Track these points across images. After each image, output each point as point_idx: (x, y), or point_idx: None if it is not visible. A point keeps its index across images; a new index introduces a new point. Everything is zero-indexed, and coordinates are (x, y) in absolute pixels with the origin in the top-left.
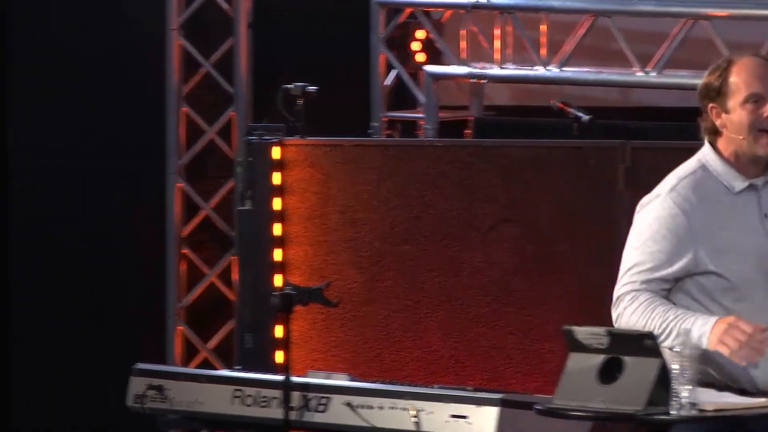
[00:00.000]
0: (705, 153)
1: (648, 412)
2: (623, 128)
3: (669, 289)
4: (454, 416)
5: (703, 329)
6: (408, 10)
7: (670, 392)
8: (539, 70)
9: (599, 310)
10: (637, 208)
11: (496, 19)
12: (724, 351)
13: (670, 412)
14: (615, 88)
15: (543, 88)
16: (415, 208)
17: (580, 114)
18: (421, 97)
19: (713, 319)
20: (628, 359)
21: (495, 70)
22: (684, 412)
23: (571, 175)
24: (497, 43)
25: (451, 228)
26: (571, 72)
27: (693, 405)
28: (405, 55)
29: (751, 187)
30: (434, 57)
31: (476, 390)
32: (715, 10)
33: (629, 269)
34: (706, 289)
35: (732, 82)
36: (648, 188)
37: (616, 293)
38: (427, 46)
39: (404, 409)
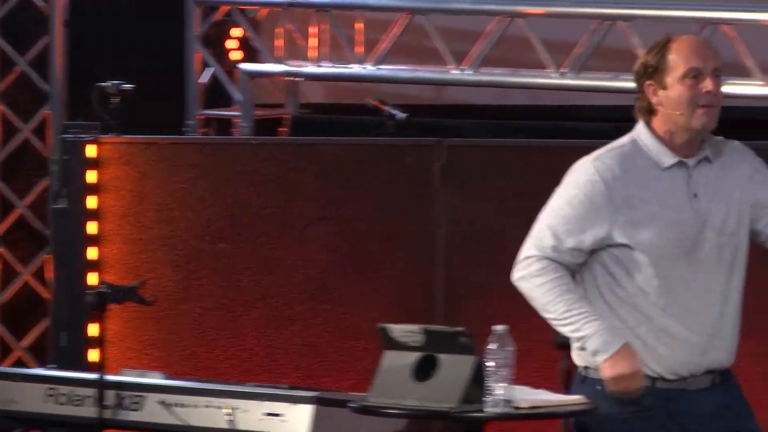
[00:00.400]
0: (638, 130)
1: (462, 409)
2: (439, 126)
3: (582, 263)
4: (268, 414)
5: (603, 348)
6: (224, 8)
7: (484, 389)
8: (355, 68)
9: (414, 307)
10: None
11: (312, 17)
12: (611, 385)
13: (485, 410)
14: (430, 87)
15: (359, 86)
16: (231, 206)
17: (395, 112)
18: (237, 95)
19: (615, 345)
20: (443, 357)
21: (311, 68)
22: (498, 410)
23: (386, 173)
24: (313, 41)
25: (267, 226)
26: (386, 70)
27: (507, 402)
28: (221, 53)
29: (681, 165)
30: (250, 55)
31: (291, 388)
32: (530, 7)
33: (542, 230)
34: (622, 262)
35: (670, 59)
36: (464, 186)
37: (524, 251)
38: (243, 44)
39: (218, 407)
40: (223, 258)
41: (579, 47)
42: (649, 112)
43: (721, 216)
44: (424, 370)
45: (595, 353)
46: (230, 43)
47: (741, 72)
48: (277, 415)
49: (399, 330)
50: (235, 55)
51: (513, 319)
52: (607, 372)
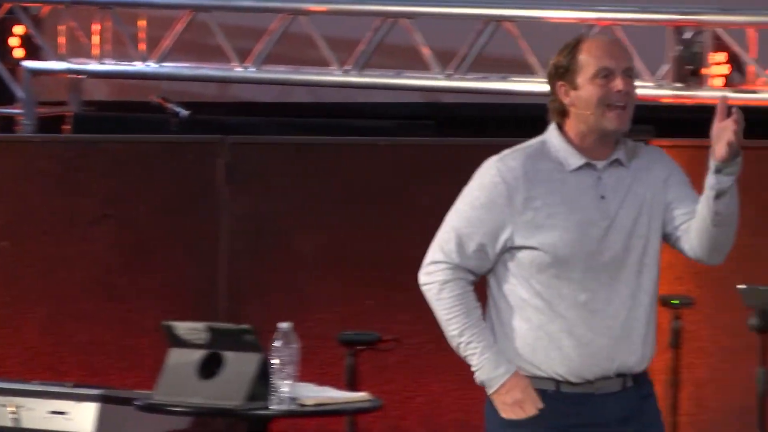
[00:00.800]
0: (549, 131)
1: (248, 407)
2: (222, 124)
3: (491, 267)
4: (53, 412)
5: (488, 383)
6: (6, 5)
7: (270, 387)
8: (138, 66)
9: (199, 305)
10: None
11: (95, 15)
12: (502, 413)
13: (270, 407)
14: (214, 84)
15: (143, 83)
16: (14, 204)
17: (179, 109)
18: (20, 93)
19: (500, 380)
20: (228, 354)
21: (94, 66)
22: (284, 407)
23: (170, 171)
24: (96, 39)
25: (51, 224)
26: (169, 67)
27: (293, 399)
28: (3, 51)
29: (589, 166)
30: (33, 52)
31: (76, 386)
32: (313, 5)
33: (447, 232)
34: (525, 264)
35: (581, 59)
36: (247, 184)
37: (430, 254)
38: (26, 41)
39: (3, 405)
40: (6, 256)
41: (362, 45)
42: (562, 113)
43: (630, 218)
44: (210, 367)
45: (482, 385)
46: (12, 41)
47: (524, 69)
48: (61, 413)
49: (184, 328)
50: (18, 53)
51: (297, 316)
52: (496, 403)
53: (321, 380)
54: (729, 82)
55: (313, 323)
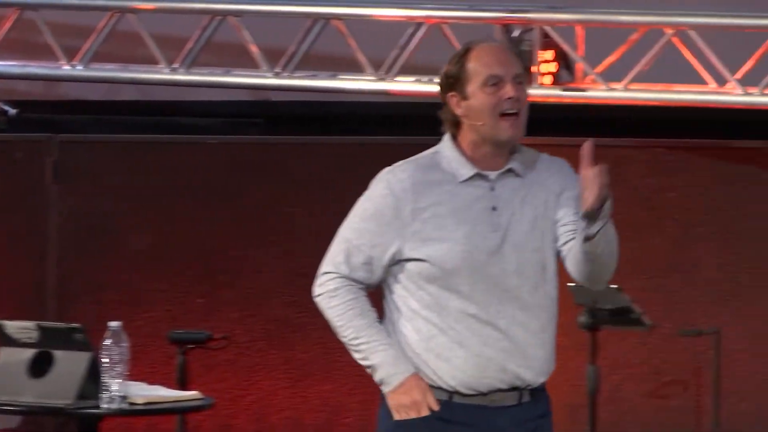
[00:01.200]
0: (442, 142)
1: (78, 405)
2: (50, 122)
3: (382, 279)
4: None
5: (386, 380)
6: None
7: (100, 386)
8: None
9: (28, 304)
10: None
11: None
12: (396, 414)
13: (101, 406)
14: (42, 82)
15: None
16: None
17: (6, 108)
18: None
19: (399, 377)
20: (58, 353)
21: None
22: (114, 406)
23: None
24: None
25: None
26: None
27: (123, 398)
28: None
29: (480, 177)
30: None
31: None
32: (141, 3)
33: (338, 244)
34: (413, 275)
35: (470, 68)
36: (76, 182)
37: (323, 266)
38: None
39: None
40: None
41: (190, 42)
42: (455, 124)
43: (523, 231)
44: (40, 366)
45: (380, 383)
46: None
47: (353, 67)
48: None
49: (13, 326)
50: None
51: (127, 315)
52: (391, 402)
53: (151, 379)
54: (557, 80)
55: (143, 322)
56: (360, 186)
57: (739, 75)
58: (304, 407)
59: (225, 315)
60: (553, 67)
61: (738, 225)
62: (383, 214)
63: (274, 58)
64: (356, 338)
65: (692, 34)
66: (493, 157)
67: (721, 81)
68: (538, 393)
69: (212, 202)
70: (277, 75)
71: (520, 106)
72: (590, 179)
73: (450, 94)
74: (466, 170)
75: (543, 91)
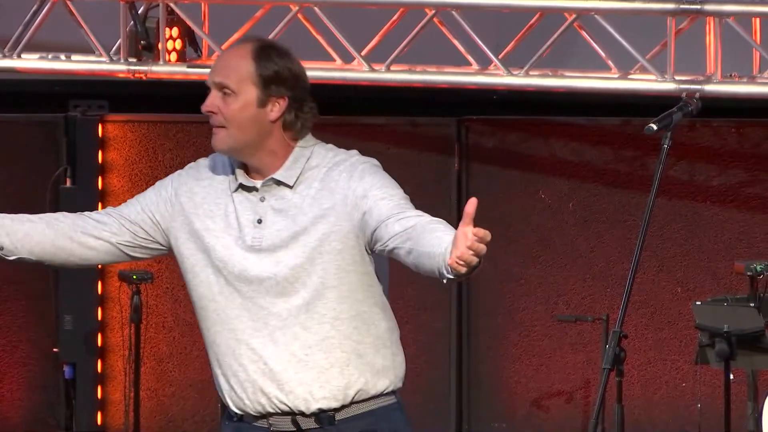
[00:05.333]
0: None
1: None
2: None
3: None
4: None
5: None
6: None
7: None
8: None
9: None
10: None
11: None
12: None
13: None
14: None
15: None
16: None
17: None
18: None
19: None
20: None
21: None
22: None
23: None
24: None
25: None
26: None
27: None
28: None
29: (244, 188)
30: None
31: None
32: None
33: None
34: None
35: None
36: None
37: None
38: None
39: None
40: None
41: None
42: None
43: (289, 242)
44: None
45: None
46: None
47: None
48: None
49: None
50: None
51: None
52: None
53: None
54: (182, 57)
55: None
56: None
57: (364, 52)
58: None
59: None
60: (179, 44)
61: None
62: (161, 196)
63: None
64: None
65: (317, 10)
66: (253, 166)
67: (349, 58)
68: (328, 419)
69: None
70: None
71: (217, 119)
72: (462, 239)
73: None
74: (233, 180)
75: (168, 68)
